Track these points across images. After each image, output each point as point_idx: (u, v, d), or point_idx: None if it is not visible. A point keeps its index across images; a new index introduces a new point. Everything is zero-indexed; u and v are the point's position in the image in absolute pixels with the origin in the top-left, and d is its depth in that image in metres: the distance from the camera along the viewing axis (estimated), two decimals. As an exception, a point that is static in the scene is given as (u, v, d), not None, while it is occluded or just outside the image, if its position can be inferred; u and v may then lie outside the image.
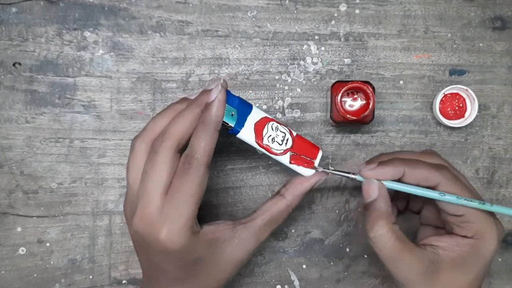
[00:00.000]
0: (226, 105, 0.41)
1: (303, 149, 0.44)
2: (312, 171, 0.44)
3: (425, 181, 0.41)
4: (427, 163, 0.42)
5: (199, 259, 0.41)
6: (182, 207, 0.39)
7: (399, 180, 0.42)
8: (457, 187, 0.41)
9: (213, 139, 0.40)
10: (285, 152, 0.44)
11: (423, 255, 0.41)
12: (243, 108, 0.43)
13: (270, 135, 0.43)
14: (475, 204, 0.40)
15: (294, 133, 0.45)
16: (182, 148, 0.40)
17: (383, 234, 0.40)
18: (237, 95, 0.43)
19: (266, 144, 0.43)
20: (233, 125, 0.42)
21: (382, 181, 0.42)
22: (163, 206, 0.39)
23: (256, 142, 0.43)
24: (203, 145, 0.39)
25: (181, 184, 0.39)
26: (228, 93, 0.42)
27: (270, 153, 0.43)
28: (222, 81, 0.41)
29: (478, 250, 0.41)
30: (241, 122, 0.42)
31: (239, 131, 0.42)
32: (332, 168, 0.44)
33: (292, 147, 0.44)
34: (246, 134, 0.43)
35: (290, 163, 0.44)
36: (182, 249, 0.39)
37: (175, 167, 0.40)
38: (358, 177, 0.43)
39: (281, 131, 0.44)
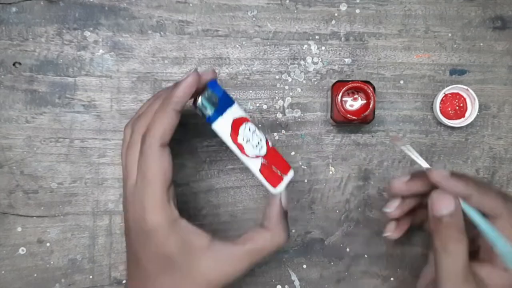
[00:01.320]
0: (210, 91, 0.41)
1: (275, 162, 0.42)
2: (277, 190, 0.42)
3: (489, 210, 0.40)
4: (498, 192, 0.40)
5: (171, 256, 0.39)
6: (149, 188, 0.39)
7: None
8: None
9: (169, 119, 0.39)
10: (256, 157, 0.42)
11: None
12: (225, 100, 0.41)
13: (246, 135, 0.42)
14: None
15: (270, 144, 0.43)
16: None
17: (460, 252, 0.38)
18: (223, 89, 0.42)
19: (239, 143, 0.41)
20: (211, 113, 0.40)
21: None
22: (135, 183, 0.40)
23: (231, 137, 0.41)
24: (157, 124, 0.39)
25: (141, 164, 0.39)
26: (214, 83, 0.41)
27: (242, 153, 0.41)
28: (210, 70, 0.41)
29: None
30: (219, 112, 0.41)
31: (215, 120, 0.41)
32: (409, 147, 0.43)
33: (265, 155, 0.42)
34: (222, 126, 0.41)
35: (259, 170, 0.41)
36: (155, 231, 0.39)
37: (166, 159, 0.40)
38: (426, 166, 0.42)
39: (257, 135, 0.42)
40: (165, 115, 0.39)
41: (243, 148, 0.41)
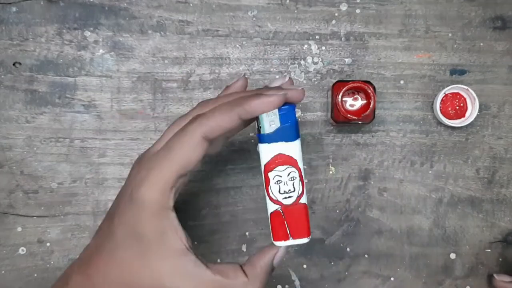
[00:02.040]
0: (283, 113, 0.37)
1: (293, 220, 0.39)
2: (277, 243, 0.39)
3: None
4: None
5: (142, 236, 0.37)
6: (164, 164, 0.36)
7: None
8: None
9: (228, 120, 0.36)
10: (275, 202, 0.39)
11: None
12: (288, 131, 0.37)
13: (279, 177, 0.38)
14: None
15: (304, 201, 0.39)
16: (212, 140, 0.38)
17: None
18: (297, 119, 0.38)
19: (268, 177, 0.38)
20: (264, 133, 0.37)
21: None
22: (158, 152, 0.38)
23: (265, 166, 0.38)
24: (214, 116, 0.36)
25: (173, 139, 0.37)
26: (293, 107, 0.37)
27: (265, 188, 0.38)
28: (301, 89, 0.38)
29: None
30: (273, 138, 0.37)
31: (264, 142, 0.37)
32: None
33: (287, 207, 0.39)
34: (263, 151, 0.38)
35: (270, 215, 0.39)
36: (141, 205, 0.36)
37: (198, 155, 0.37)
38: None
39: (293, 185, 0.39)
40: (228, 114, 0.36)
41: (268, 185, 0.38)
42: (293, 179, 0.39)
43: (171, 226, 0.37)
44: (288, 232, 0.39)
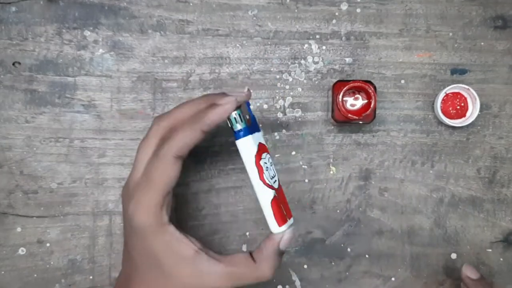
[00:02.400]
0: (246, 108, 0.41)
1: (283, 202, 0.42)
2: (280, 229, 0.41)
3: None
4: None
5: (156, 254, 0.40)
6: (149, 190, 0.40)
7: None
8: None
9: (192, 136, 0.40)
10: (270, 187, 0.41)
11: None
12: (255, 124, 0.42)
13: (265, 164, 0.41)
14: None
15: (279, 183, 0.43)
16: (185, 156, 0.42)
17: None
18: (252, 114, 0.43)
19: (261, 165, 0.40)
20: (241, 128, 0.40)
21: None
22: (139, 180, 0.41)
23: (255, 157, 0.40)
24: (179, 137, 0.40)
25: (150, 168, 0.40)
26: (248, 103, 0.42)
27: (260, 177, 0.40)
28: (246, 90, 0.42)
29: None
30: (249, 131, 0.40)
31: (244, 137, 0.40)
32: None
33: (278, 189, 0.41)
34: (248, 144, 0.40)
35: (270, 202, 0.40)
36: (144, 230, 0.40)
37: (174, 174, 0.41)
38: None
39: (273, 170, 0.42)
40: (191, 132, 0.40)
41: (262, 173, 0.40)
42: (272, 164, 0.42)
43: (174, 238, 0.40)
44: (285, 213, 0.41)
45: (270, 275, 0.41)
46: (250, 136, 0.40)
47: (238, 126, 0.40)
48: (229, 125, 0.41)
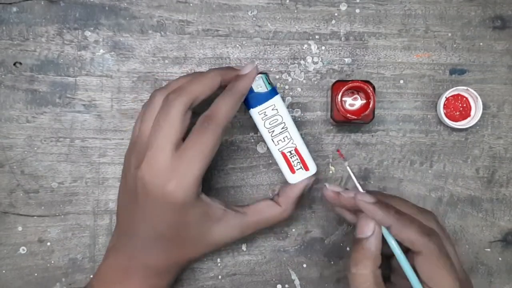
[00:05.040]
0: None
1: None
2: (298, 178, 0.47)
3: (409, 244, 0.39)
4: (420, 227, 0.39)
5: (188, 224, 0.43)
6: (194, 164, 0.41)
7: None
8: (438, 263, 0.39)
9: (235, 107, 0.42)
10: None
11: None
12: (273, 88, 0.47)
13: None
14: None
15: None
16: (193, 108, 0.43)
17: (364, 274, 0.39)
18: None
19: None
20: (268, 89, 0.45)
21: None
22: (174, 160, 0.41)
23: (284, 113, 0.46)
24: (225, 109, 0.42)
25: (197, 141, 0.41)
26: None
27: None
28: (255, 64, 0.45)
29: None
30: (274, 92, 0.46)
31: (273, 97, 0.45)
32: (350, 169, 0.44)
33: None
34: (278, 103, 0.46)
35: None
36: (183, 206, 0.42)
37: (186, 124, 0.42)
38: (361, 194, 0.42)
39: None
40: (233, 103, 0.43)
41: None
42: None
43: (207, 205, 0.44)
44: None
45: (292, 213, 0.47)
46: (276, 96, 0.46)
47: (263, 89, 0.45)
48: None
